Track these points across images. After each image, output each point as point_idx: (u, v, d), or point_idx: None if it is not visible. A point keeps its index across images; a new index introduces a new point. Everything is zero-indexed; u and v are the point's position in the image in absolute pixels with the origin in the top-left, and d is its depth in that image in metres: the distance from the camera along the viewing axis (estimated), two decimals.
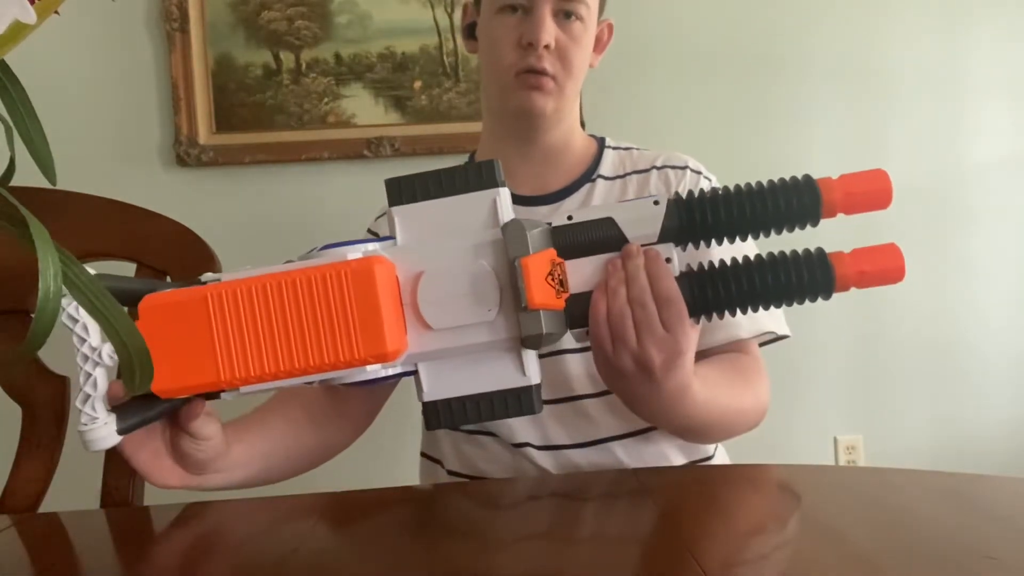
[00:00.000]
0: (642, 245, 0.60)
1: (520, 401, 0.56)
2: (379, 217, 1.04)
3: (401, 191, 0.57)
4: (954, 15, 1.66)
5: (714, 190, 0.60)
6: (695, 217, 0.58)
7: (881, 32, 1.65)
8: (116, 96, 1.59)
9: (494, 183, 0.57)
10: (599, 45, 0.98)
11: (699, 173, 0.98)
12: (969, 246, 1.67)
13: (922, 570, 0.47)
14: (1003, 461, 1.70)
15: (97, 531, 0.67)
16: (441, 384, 0.56)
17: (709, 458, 0.93)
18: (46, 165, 0.39)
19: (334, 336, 0.52)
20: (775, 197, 0.58)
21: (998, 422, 1.71)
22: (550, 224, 0.59)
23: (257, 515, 0.66)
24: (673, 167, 0.98)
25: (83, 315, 0.52)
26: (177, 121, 1.56)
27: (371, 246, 0.56)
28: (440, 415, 0.56)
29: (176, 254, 0.89)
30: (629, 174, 0.98)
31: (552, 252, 0.58)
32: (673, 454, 0.90)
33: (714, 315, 0.60)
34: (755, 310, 0.59)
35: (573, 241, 0.59)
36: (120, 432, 0.53)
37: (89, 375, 0.52)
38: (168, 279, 0.89)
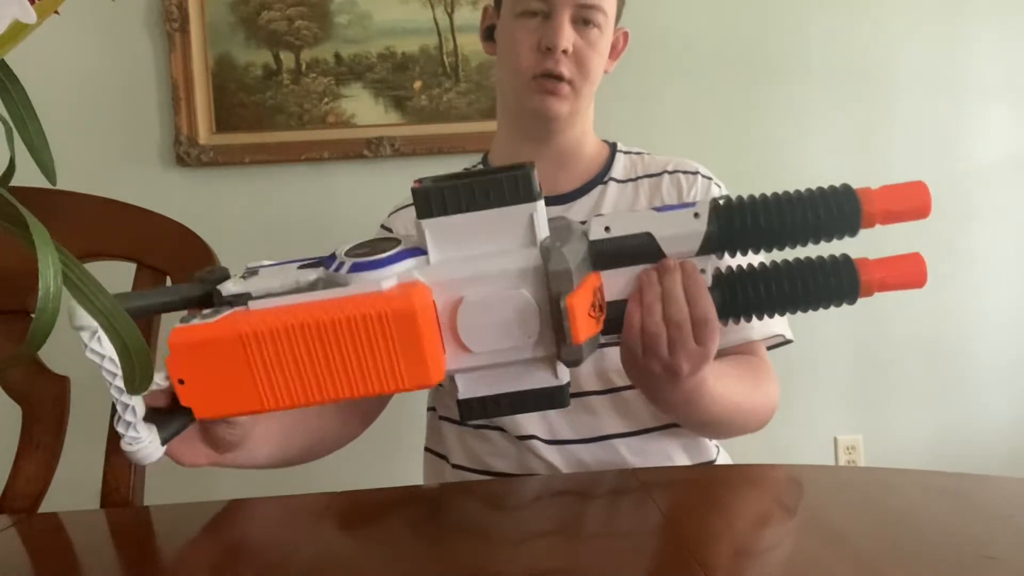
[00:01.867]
0: (678, 255, 0.59)
1: (552, 398, 0.56)
2: (392, 213, 1.05)
3: (431, 203, 0.53)
4: (954, 15, 1.66)
5: (752, 197, 0.58)
6: (735, 225, 0.57)
7: (881, 32, 1.65)
8: (116, 96, 1.59)
9: (531, 196, 0.54)
10: (614, 52, 1.00)
11: (709, 179, 1.00)
12: (969, 246, 1.67)
13: (922, 570, 0.47)
14: (1003, 461, 1.70)
15: (97, 531, 0.67)
16: (476, 385, 0.56)
17: (712, 461, 0.94)
18: (46, 165, 0.39)
19: (377, 370, 0.51)
20: (815, 206, 0.57)
21: (998, 422, 1.71)
22: (587, 235, 0.57)
23: (261, 514, 0.66)
24: (684, 172, 0.99)
25: (106, 347, 0.51)
26: (177, 121, 1.56)
27: (403, 265, 0.53)
28: (474, 410, 0.56)
29: (176, 254, 0.89)
30: (640, 178, 1.00)
31: (594, 280, 0.56)
32: (676, 453, 0.91)
33: (741, 319, 0.60)
34: (782, 315, 0.60)
35: (609, 254, 0.58)
36: (164, 443, 0.54)
37: (127, 405, 0.52)
38: (168, 280, 0.89)
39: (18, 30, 0.34)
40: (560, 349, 0.54)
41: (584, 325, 0.53)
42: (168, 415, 0.55)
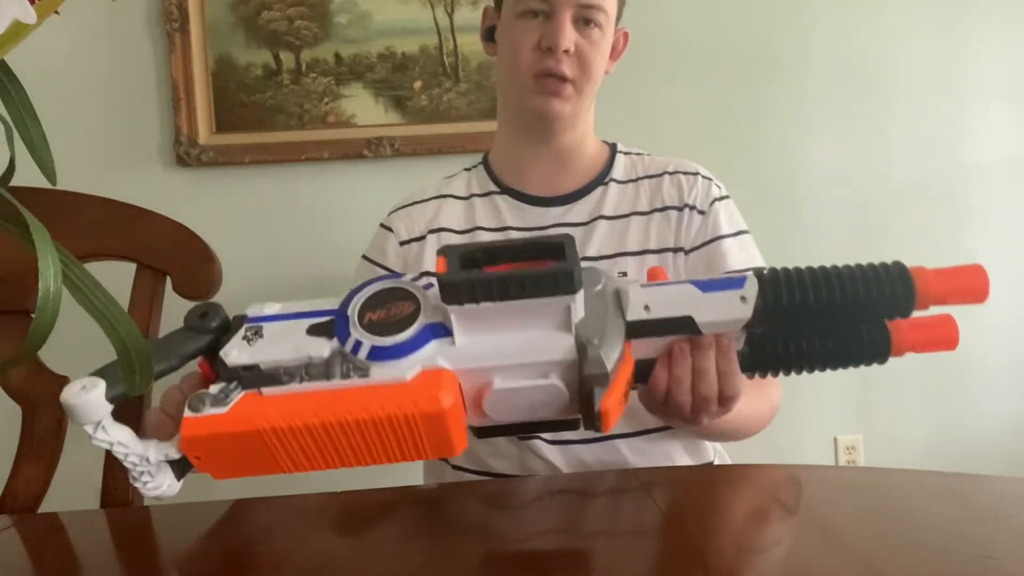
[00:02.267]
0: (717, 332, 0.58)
1: (566, 425, 0.56)
2: (392, 212, 1.05)
3: (460, 294, 0.50)
4: (954, 16, 1.66)
5: (799, 271, 0.56)
6: (782, 300, 0.54)
7: (881, 32, 1.65)
8: (116, 96, 1.59)
9: (571, 290, 0.50)
10: (614, 53, 1.01)
11: (710, 180, 1.00)
12: (969, 246, 1.67)
13: (922, 570, 0.47)
14: (1003, 461, 1.70)
15: (97, 531, 0.67)
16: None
17: (711, 461, 0.94)
18: (46, 165, 0.39)
19: (401, 449, 0.51)
20: (867, 285, 0.55)
21: (998, 422, 1.71)
22: (624, 314, 0.54)
23: (261, 515, 0.66)
24: (685, 173, 1.00)
25: (112, 433, 0.51)
26: (177, 121, 1.56)
27: (427, 351, 0.51)
28: (488, 432, 0.56)
29: (176, 254, 0.89)
30: (641, 178, 1.01)
31: (627, 369, 0.54)
32: (677, 454, 0.92)
33: (768, 373, 0.59)
34: (809, 372, 0.58)
35: (645, 331, 0.56)
36: (179, 478, 0.55)
37: (142, 471, 0.53)
38: (168, 280, 0.89)
39: (18, 30, 0.34)
40: (585, 421, 0.53)
41: (615, 415, 0.52)
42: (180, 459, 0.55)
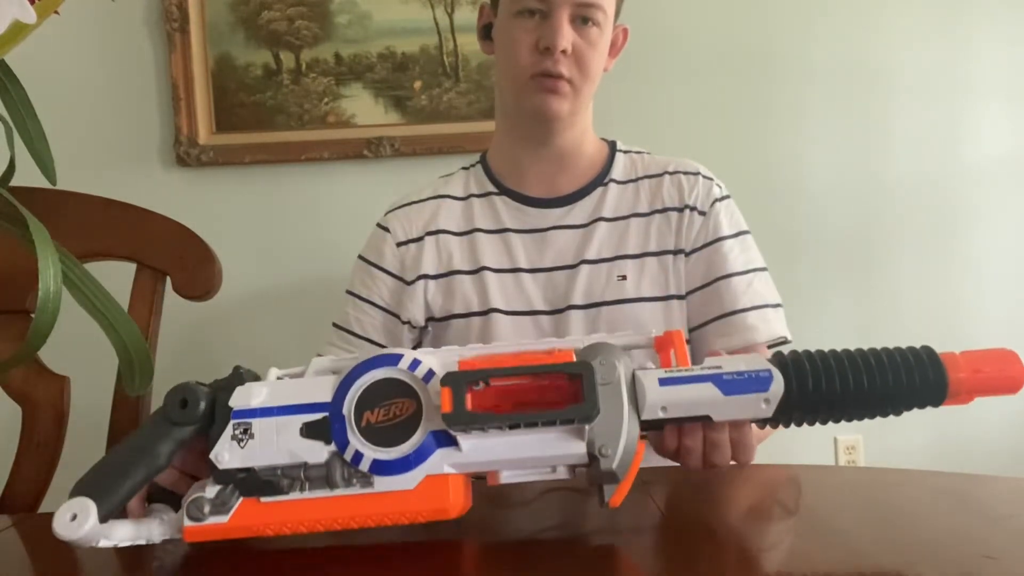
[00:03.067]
0: None
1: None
2: (389, 212, 1.05)
3: (467, 428, 0.49)
4: (954, 15, 1.66)
5: (826, 360, 0.53)
6: (808, 394, 0.52)
7: (881, 32, 1.65)
8: (116, 96, 1.58)
9: (588, 421, 0.49)
10: (613, 49, 1.00)
11: (710, 180, 1.00)
12: (969, 245, 1.67)
13: (922, 570, 0.47)
14: (1003, 461, 1.70)
15: None
16: None
17: None
18: (46, 165, 0.39)
19: (403, 520, 0.51)
20: (896, 371, 0.53)
21: (998, 422, 1.71)
22: (639, 414, 0.52)
23: None
24: (685, 172, 0.99)
25: (114, 536, 0.50)
26: (177, 121, 1.56)
27: (432, 462, 0.50)
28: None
29: (176, 254, 0.89)
30: (641, 178, 1.00)
31: (638, 459, 0.52)
32: None
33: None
34: (823, 424, 0.56)
35: (659, 427, 0.55)
36: (179, 510, 0.54)
37: (148, 538, 0.53)
38: (168, 281, 0.89)
39: (18, 30, 0.34)
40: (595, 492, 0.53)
41: (623, 495, 0.51)
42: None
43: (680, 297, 0.97)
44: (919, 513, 0.59)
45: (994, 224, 1.68)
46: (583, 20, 0.91)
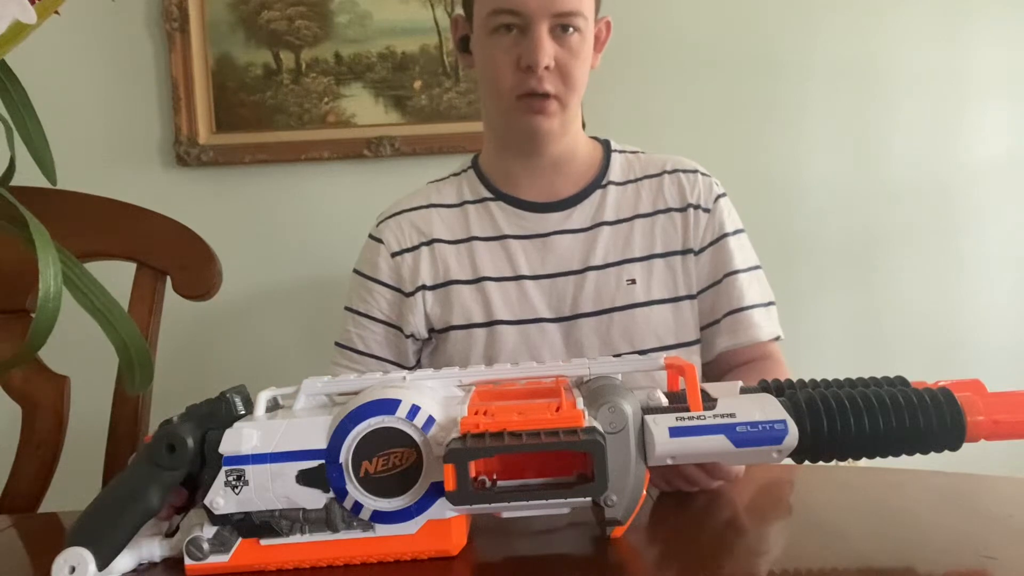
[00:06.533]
0: None
1: None
2: (381, 222, 1.03)
3: (471, 500, 0.48)
4: (954, 15, 1.66)
5: (840, 400, 0.52)
6: (822, 439, 0.51)
7: (881, 32, 1.65)
8: (116, 96, 1.58)
9: (595, 497, 0.49)
10: (598, 44, 0.97)
11: (709, 177, 1.00)
12: (969, 245, 1.67)
13: (922, 569, 0.47)
14: (1003, 461, 1.70)
15: None
16: None
17: None
18: (46, 165, 0.39)
19: (402, 559, 0.51)
20: (913, 414, 0.52)
21: None
22: (646, 461, 0.52)
23: None
24: (684, 171, 0.99)
25: (115, 568, 0.50)
26: (177, 121, 1.56)
27: (433, 511, 0.50)
28: None
29: (176, 254, 0.89)
30: (640, 179, 0.99)
31: (641, 500, 0.52)
32: None
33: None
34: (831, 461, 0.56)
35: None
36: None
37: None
38: (168, 281, 0.89)
39: (18, 30, 0.34)
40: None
41: (623, 531, 0.52)
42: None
43: (691, 297, 0.97)
44: (919, 513, 0.59)
45: (994, 224, 1.68)
46: (563, 28, 0.88)
